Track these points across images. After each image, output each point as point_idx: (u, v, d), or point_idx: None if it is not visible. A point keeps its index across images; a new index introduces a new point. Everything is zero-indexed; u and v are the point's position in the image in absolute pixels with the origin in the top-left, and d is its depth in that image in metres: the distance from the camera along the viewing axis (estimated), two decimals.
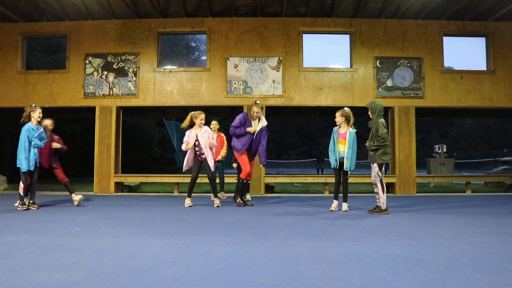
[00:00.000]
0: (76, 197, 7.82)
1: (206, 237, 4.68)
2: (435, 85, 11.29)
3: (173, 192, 11.35)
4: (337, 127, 7.28)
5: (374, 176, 6.94)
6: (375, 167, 6.89)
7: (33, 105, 7.53)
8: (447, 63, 11.80)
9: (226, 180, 10.08)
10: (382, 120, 6.93)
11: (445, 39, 11.54)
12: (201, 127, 7.82)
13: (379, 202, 6.90)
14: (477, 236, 4.72)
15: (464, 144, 51.39)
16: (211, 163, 7.78)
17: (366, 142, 7.09)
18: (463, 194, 11.24)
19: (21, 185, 7.29)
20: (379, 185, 6.87)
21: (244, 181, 7.98)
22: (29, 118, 7.38)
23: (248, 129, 7.79)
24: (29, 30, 11.76)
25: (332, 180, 10.35)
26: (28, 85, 11.49)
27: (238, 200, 7.95)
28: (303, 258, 3.60)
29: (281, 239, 4.56)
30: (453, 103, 11.33)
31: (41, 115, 7.48)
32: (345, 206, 7.21)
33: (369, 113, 7.10)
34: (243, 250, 3.94)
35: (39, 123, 7.52)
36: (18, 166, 7.23)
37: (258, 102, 7.97)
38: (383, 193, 6.84)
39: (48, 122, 7.90)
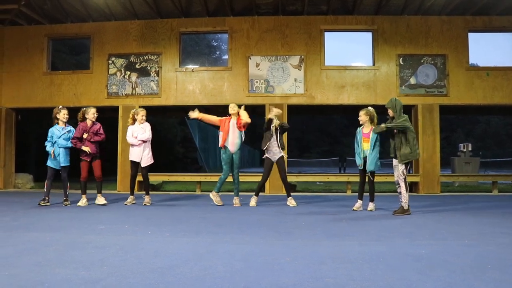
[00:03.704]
0: (83, 201, 7.88)
1: (228, 235, 4.70)
2: (460, 83, 11.08)
3: (195, 191, 11.41)
4: (361, 127, 7.20)
5: (398, 175, 6.80)
6: (400, 166, 6.74)
7: (60, 106, 7.84)
8: (471, 59, 11.55)
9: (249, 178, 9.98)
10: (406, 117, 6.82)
11: (470, 35, 11.30)
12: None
13: (403, 202, 6.80)
14: (504, 237, 4.61)
15: (490, 143, 50.29)
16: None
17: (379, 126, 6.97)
18: (489, 194, 11.01)
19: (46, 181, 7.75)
20: (402, 184, 6.73)
21: None
22: (57, 120, 7.71)
23: None
24: (54, 32, 11.99)
25: (354, 179, 10.28)
26: (53, 85, 11.71)
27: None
28: (325, 257, 3.58)
29: (303, 238, 4.54)
30: (479, 100, 11.09)
31: (66, 115, 7.77)
32: (371, 205, 7.12)
33: (390, 111, 6.94)
34: (265, 249, 3.94)
35: (66, 123, 7.84)
36: None
37: None
38: (406, 191, 6.71)
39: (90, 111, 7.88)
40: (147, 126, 8.19)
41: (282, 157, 7.96)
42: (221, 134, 7.93)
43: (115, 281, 2.88)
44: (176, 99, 11.42)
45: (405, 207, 6.66)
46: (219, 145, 7.95)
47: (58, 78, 11.77)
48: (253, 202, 7.93)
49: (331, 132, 61.23)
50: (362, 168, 7.12)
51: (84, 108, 7.94)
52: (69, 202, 7.78)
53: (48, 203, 7.74)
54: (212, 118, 8.04)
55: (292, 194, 8.22)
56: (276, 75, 11.21)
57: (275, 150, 7.88)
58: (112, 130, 11.75)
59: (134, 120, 8.25)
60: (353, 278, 2.95)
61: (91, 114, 7.82)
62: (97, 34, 11.74)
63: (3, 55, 11.94)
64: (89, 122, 7.82)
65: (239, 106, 8.08)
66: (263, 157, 8.04)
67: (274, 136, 7.88)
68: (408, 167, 6.84)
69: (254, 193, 8.16)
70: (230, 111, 8.00)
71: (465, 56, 11.16)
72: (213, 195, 7.99)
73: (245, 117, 7.86)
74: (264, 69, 11.25)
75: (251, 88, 11.23)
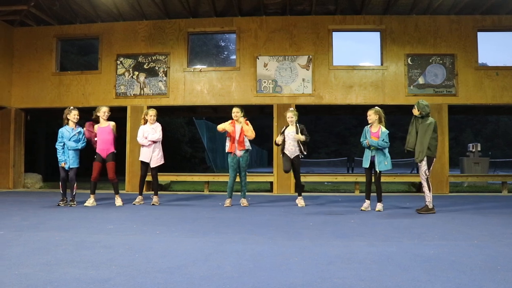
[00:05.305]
0: (90, 201, 7.86)
1: (236, 235, 4.70)
2: (469, 82, 10.99)
3: (203, 191, 11.43)
4: (369, 126, 7.20)
5: (421, 174, 6.88)
6: (423, 165, 6.79)
7: (71, 107, 7.86)
8: (480, 59, 11.45)
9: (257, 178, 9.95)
10: (433, 120, 6.98)
11: (479, 34, 11.20)
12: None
13: (427, 201, 6.82)
14: None
15: (500, 143, 49.91)
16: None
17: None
18: (498, 194, 10.92)
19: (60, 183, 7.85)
20: (425, 184, 6.78)
21: None
22: (67, 121, 7.73)
23: None
24: (63, 33, 12.05)
25: (362, 179, 10.23)
26: (62, 86, 11.77)
27: None
28: (334, 257, 3.57)
29: (311, 238, 4.53)
30: (488, 100, 11.00)
31: (77, 116, 7.78)
32: (379, 206, 7.09)
33: (417, 112, 7.03)
34: (273, 249, 3.94)
35: (77, 124, 7.85)
36: None
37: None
38: (430, 191, 6.76)
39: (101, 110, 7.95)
40: (158, 127, 8.18)
41: (298, 156, 7.91)
42: (228, 138, 7.90)
43: (123, 281, 2.89)
44: (184, 99, 11.44)
45: (430, 206, 6.75)
46: (226, 150, 7.91)
47: (67, 79, 11.84)
48: (302, 202, 7.93)
49: (339, 132, 61.12)
50: (368, 166, 7.13)
51: (98, 107, 7.99)
52: (75, 203, 7.76)
53: (67, 203, 7.78)
54: (228, 128, 7.86)
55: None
56: (284, 75, 11.19)
57: (291, 149, 7.84)
58: (120, 130, 11.80)
59: (146, 121, 8.27)
60: (362, 279, 2.94)
61: (102, 112, 7.86)
62: (105, 35, 11.79)
63: (12, 56, 12.02)
64: (101, 121, 7.87)
65: (242, 110, 8.00)
66: (282, 153, 8.00)
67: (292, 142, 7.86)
68: (431, 168, 6.88)
69: (297, 194, 8.21)
70: (233, 117, 7.89)
71: (474, 56, 11.07)
72: (226, 201, 7.95)
73: (250, 134, 7.81)
74: (272, 69, 11.23)
75: (259, 88, 11.22)
